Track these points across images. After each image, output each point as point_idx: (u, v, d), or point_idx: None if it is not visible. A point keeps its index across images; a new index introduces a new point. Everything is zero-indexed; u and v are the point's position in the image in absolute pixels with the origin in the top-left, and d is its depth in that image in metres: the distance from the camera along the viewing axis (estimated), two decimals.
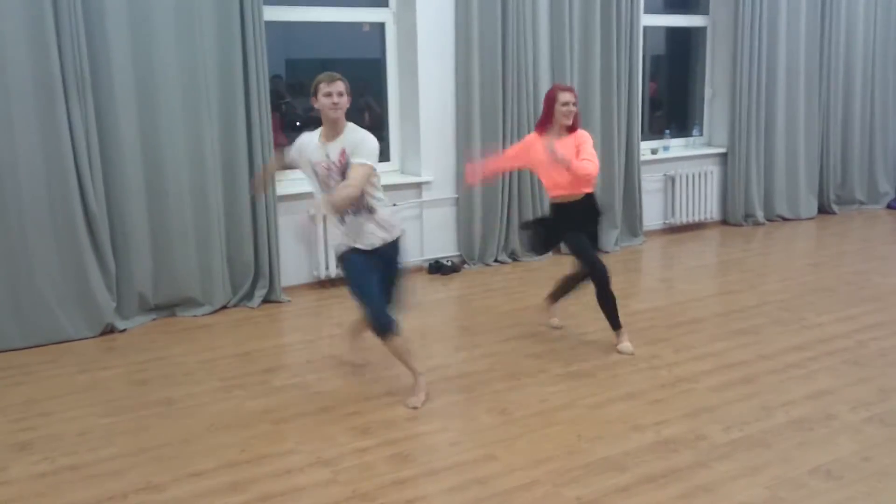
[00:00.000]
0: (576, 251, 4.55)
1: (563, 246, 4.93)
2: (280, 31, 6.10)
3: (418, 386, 3.94)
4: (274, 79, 6.27)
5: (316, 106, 3.69)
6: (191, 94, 5.16)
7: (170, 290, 5.31)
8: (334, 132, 3.73)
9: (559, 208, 4.56)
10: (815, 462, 3.27)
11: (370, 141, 3.68)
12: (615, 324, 4.58)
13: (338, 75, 3.68)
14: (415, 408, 3.83)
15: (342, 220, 3.80)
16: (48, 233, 4.77)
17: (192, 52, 5.12)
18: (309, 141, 3.83)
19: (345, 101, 3.68)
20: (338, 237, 3.90)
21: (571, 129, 4.42)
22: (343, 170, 3.68)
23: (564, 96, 4.35)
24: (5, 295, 4.71)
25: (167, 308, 5.36)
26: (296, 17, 6.01)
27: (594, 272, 4.46)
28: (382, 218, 3.82)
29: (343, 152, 3.67)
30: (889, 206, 8.85)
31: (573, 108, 4.35)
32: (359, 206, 3.73)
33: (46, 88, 4.63)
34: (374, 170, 3.69)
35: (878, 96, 8.66)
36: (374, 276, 3.79)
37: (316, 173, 3.79)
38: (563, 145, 4.30)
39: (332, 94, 3.64)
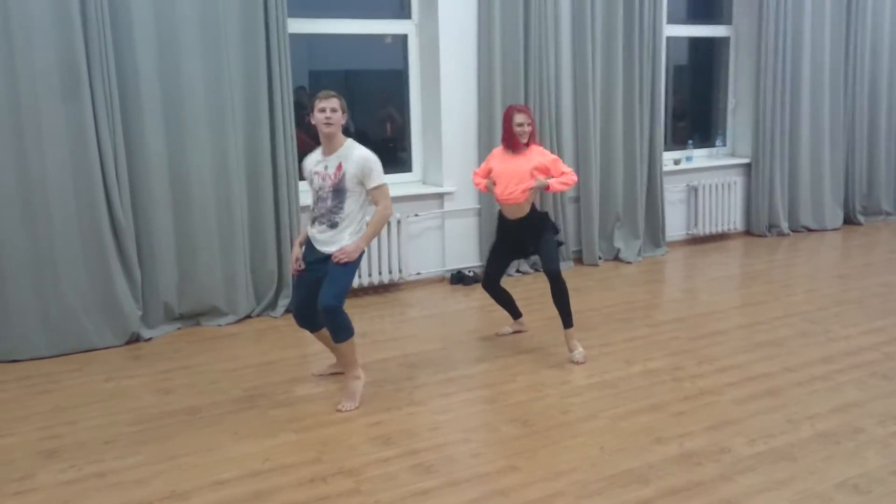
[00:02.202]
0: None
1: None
2: (304, 43, 6.15)
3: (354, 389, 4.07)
4: (298, 90, 6.32)
5: (312, 122, 3.91)
6: (216, 105, 5.22)
7: (194, 299, 5.36)
8: (331, 147, 3.96)
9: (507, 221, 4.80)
10: (842, 476, 3.23)
11: (374, 161, 3.95)
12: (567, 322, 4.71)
13: (333, 93, 3.89)
14: (339, 411, 3.95)
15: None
16: (75, 242, 4.83)
17: (217, 64, 5.18)
18: (312, 155, 4.09)
19: (338, 118, 3.89)
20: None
21: (528, 144, 4.69)
22: (337, 185, 3.92)
23: (518, 117, 4.61)
24: (32, 304, 4.77)
25: (192, 317, 5.41)
26: (320, 29, 6.07)
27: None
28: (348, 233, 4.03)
29: (339, 167, 3.90)
30: None
31: (527, 129, 4.61)
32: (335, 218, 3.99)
33: (75, 100, 4.71)
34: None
35: None
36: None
37: (311, 181, 4.03)
38: (526, 159, 4.62)
39: (326, 109, 3.85)
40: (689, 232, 7.71)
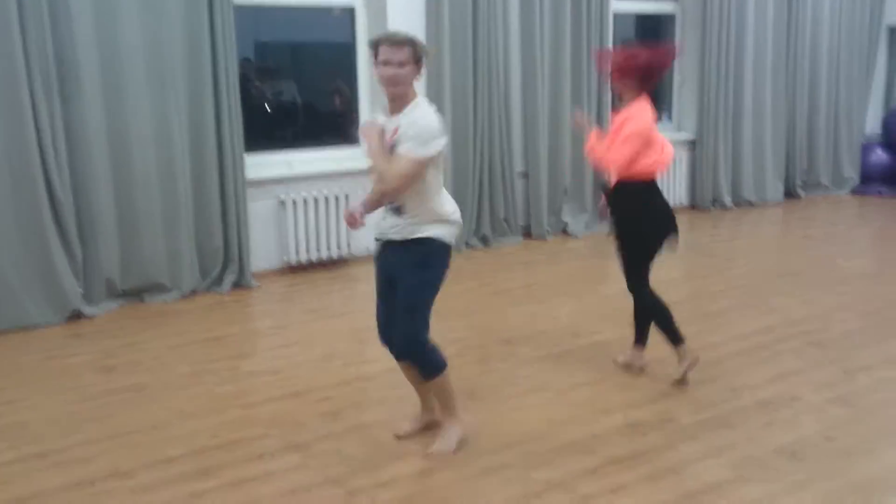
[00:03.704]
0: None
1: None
2: (250, 15, 6.03)
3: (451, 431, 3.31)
4: (243, 62, 6.21)
5: (375, 75, 3.02)
6: (157, 77, 5.09)
7: (138, 275, 5.26)
8: (396, 106, 3.01)
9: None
10: (780, 442, 3.33)
11: (427, 126, 2.95)
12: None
13: (402, 37, 2.95)
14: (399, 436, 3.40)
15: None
16: (11, 218, 4.69)
17: (158, 35, 5.04)
18: (381, 115, 3.13)
19: (408, 73, 2.94)
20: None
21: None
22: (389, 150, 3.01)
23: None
24: None
25: (135, 294, 5.31)
26: (266, 0, 5.95)
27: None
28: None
29: (396, 130, 2.98)
30: (853, 192, 8.99)
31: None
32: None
33: (9, 73, 4.55)
34: (423, 161, 2.94)
35: (842, 83, 8.79)
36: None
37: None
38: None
39: (392, 62, 2.91)
40: None
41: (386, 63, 2.92)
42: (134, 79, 5.02)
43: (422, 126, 2.94)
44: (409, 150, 2.92)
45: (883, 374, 4.01)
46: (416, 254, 3.07)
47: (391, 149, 2.98)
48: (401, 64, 2.91)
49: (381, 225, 3.15)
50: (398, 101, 3.00)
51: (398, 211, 3.06)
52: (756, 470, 3.11)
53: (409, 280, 3.07)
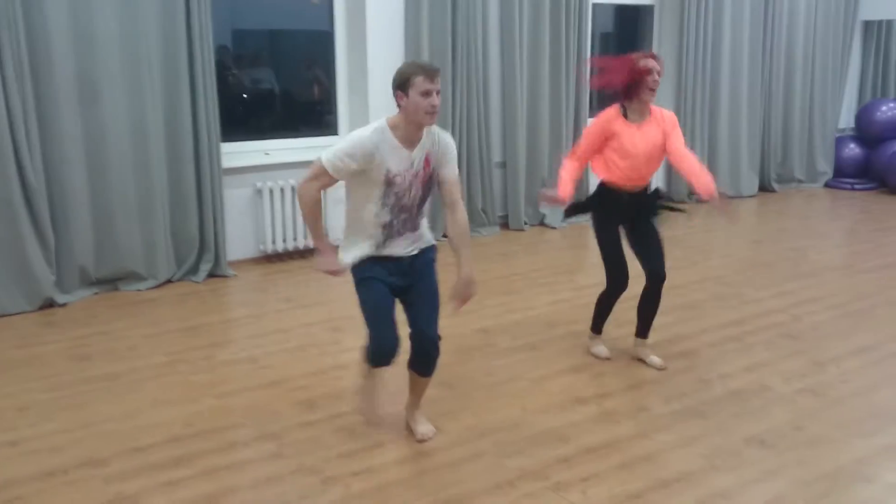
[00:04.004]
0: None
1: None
2: (227, 2, 5.97)
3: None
4: (220, 49, 6.15)
5: (402, 104, 2.91)
6: (132, 64, 5.03)
7: (112, 263, 5.21)
8: (417, 137, 2.98)
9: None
10: (750, 431, 3.38)
11: (451, 140, 3.10)
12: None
13: (437, 67, 2.94)
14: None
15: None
16: None
17: (133, 21, 4.98)
18: (389, 148, 2.94)
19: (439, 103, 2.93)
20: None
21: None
22: (427, 180, 3.04)
23: (650, 63, 3.74)
24: None
25: (109, 282, 5.26)
26: None
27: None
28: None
29: (427, 160, 3.00)
30: (826, 185, 9.10)
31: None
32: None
33: None
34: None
35: (817, 78, 8.88)
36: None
37: (390, 182, 2.98)
38: (653, 125, 3.86)
39: (433, 92, 2.86)
40: None
41: (430, 93, 2.86)
42: (109, 66, 4.96)
43: (453, 146, 3.10)
44: (455, 172, 3.09)
45: (851, 365, 4.08)
46: (430, 258, 3.22)
47: (429, 178, 3.05)
48: (440, 93, 2.92)
49: (392, 248, 3.10)
50: (422, 130, 2.98)
51: (415, 227, 3.13)
52: (727, 458, 3.16)
53: (431, 283, 3.19)
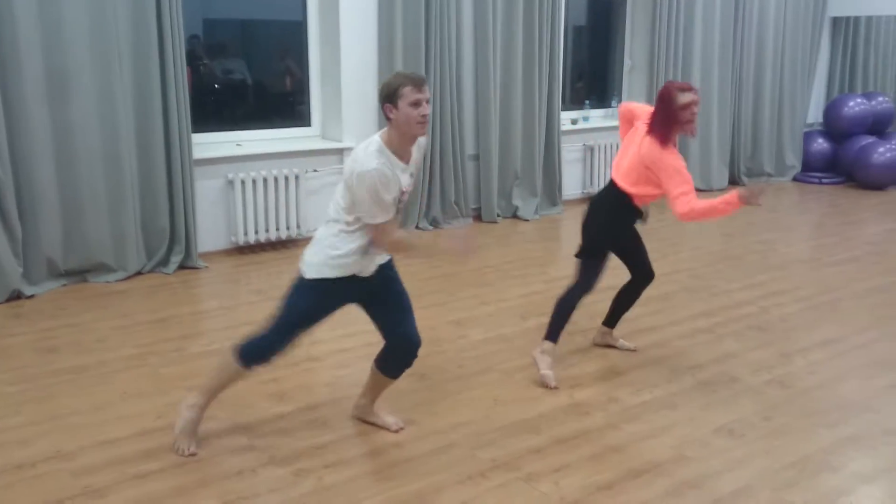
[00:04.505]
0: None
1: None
2: None
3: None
4: (191, 39, 6.09)
5: (392, 116, 2.84)
6: (101, 54, 4.96)
7: (81, 255, 5.15)
8: (410, 148, 2.95)
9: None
10: (719, 422, 3.42)
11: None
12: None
13: (424, 78, 2.88)
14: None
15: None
16: None
17: (102, 11, 4.91)
18: (388, 164, 2.85)
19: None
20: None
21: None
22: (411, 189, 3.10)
23: (688, 96, 3.56)
24: None
25: (78, 274, 5.20)
26: None
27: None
28: None
29: (412, 174, 3.01)
30: (795, 179, 9.22)
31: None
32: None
33: None
34: None
35: (786, 73, 8.98)
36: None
37: (399, 201, 2.96)
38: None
39: (422, 102, 2.81)
40: (585, 191, 7.88)
41: (420, 103, 2.80)
42: (77, 55, 4.88)
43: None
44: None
45: (818, 357, 4.14)
46: (392, 263, 3.19)
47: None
48: (429, 101, 2.86)
49: (372, 259, 3.04)
50: (415, 140, 2.94)
51: None
52: (696, 448, 3.20)
53: (401, 285, 3.19)
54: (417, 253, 2.85)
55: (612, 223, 3.86)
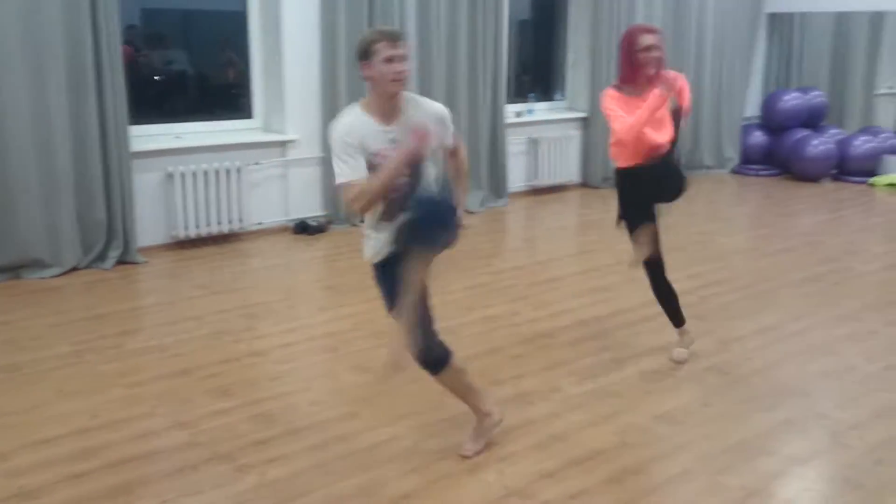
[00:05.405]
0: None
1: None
2: None
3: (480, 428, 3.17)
4: (128, 29, 5.95)
5: (367, 74, 2.72)
6: (32, 44, 4.82)
7: (13, 250, 4.99)
8: (395, 110, 2.79)
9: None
10: (661, 409, 3.48)
11: (446, 111, 2.95)
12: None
13: (400, 32, 2.78)
14: (465, 456, 3.09)
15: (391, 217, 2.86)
16: None
17: None
18: (362, 124, 2.75)
19: (408, 69, 2.77)
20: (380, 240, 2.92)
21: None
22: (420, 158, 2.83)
23: (648, 38, 3.57)
24: None
25: (10, 270, 5.04)
26: None
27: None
28: None
29: (418, 134, 2.74)
30: (733, 171, 9.42)
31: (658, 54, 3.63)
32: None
33: None
34: None
35: (725, 67, 9.16)
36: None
37: (371, 165, 2.75)
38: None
39: (395, 58, 2.67)
40: (530, 183, 7.94)
41: (395, 59, 2.67)
42: (7, 45, 4.73)
43: (446, 113, 2.95)
44: (454, 139, 3.01)
45: (755, 344, 4.24)
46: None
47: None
48: (406, 58, 2.73)
49: (386, 241, 2.91)
50: (395, 100, 2.77)
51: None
52: (638, 435, 3.25)
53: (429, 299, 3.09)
54: (382, 184, 2.72)
55: (621, 193, 4.06)
